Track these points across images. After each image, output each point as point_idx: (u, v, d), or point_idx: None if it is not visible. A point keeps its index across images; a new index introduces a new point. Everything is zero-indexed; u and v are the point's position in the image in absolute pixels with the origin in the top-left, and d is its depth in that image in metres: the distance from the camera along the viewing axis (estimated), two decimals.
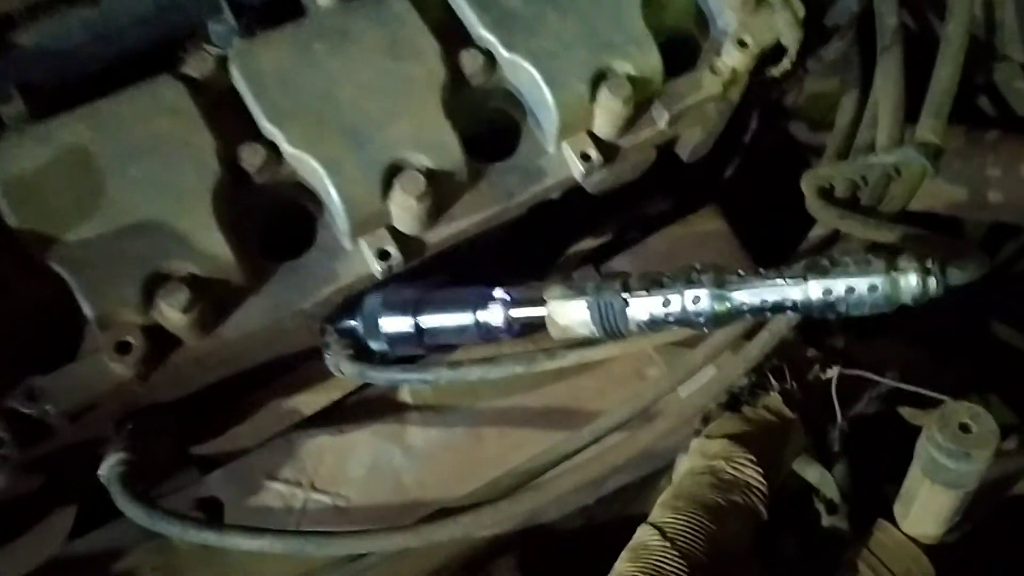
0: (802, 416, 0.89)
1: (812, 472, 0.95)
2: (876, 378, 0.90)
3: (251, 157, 0.83)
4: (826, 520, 0.94)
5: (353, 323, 0.89)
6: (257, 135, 0.85)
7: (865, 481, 0.93)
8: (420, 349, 0.87)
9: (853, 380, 0.93)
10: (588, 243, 1.11)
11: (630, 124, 0.94)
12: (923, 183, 1.09)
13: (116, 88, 0.86)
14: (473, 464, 1.00)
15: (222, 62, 0.86)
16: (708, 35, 0.99)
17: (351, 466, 0.99)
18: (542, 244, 1.10)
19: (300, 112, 0.84)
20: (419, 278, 0.94)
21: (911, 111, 0.98)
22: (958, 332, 1.32)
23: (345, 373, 0.88)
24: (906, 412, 0.92)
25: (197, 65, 0.85)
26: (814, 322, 1.00)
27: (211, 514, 0.96)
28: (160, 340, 0.81)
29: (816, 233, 0.94)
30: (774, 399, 0.87)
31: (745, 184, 1.26)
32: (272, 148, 0.84)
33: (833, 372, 0.90)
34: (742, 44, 0.94)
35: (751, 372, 0.89)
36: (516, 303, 0.82)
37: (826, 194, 0.96)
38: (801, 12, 0.95)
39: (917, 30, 1.14)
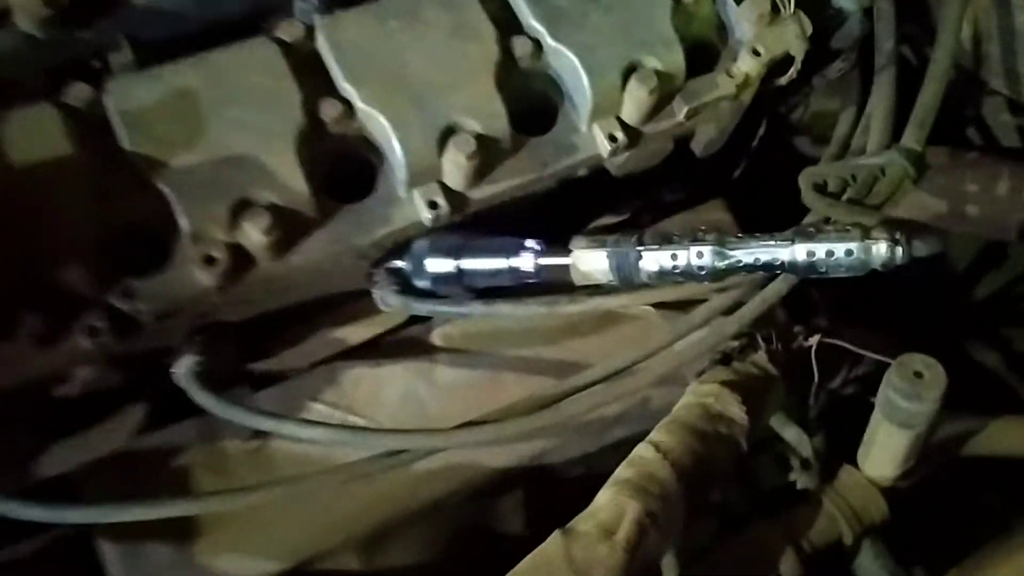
0: (784, 375, 1.03)
1: (790, 432, 1.08)
2: (854, 349, 1.03)
3: (329, 110, 0.97)
4: (797, 477, 1.07)
5: (401, 263, 1.02)
6: (335, 93, 0.99)
7: (835, 447, 1.06)
8: (459, 289, 1.01)
9: (833, 358, 1.06)
10: (606, 220, 1.24)
11: (653, 113, 1.08)
12: (907, 192, 1.23)
13: (210, 47, 1.00)
14: (491, 402, 1.12)
15: (310, 30, 1.00)
16: (726, 43, 1.14)
17: (385, 394, 1.12)
18: (567, 217, 1.23)
19: (373, 75, 0.98)
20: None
21: (900, 126, 1.12)
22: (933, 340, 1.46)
23: (391, 304, 1.02)
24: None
25: (288, 31, 1.00)
26: (801, 302, 1.14)
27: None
28: (240, 258, 0.94)
29: (808, 220, 1.07)
30: (760, 357, 1.01)
31: (751, 184, 1.40)
32: (347, 104, 0.98)
33: (814, 340, 1.03)
34: (755, 52, 1.09)
35: (742, 335, 1.03)
36: (545, 252, 0.96)
37: (819, 188, 1.10)
38: (808, 28, 1.10)
39: (912, 58, 1.28)
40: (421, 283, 1.01)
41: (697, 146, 1.23)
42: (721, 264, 0.88)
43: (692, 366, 1.05)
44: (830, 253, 0.85)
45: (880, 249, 0.84)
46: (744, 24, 1.11)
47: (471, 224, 1.06)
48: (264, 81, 0.96)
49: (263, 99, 0.96)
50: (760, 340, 1.02)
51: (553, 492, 1.17)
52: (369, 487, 1.03)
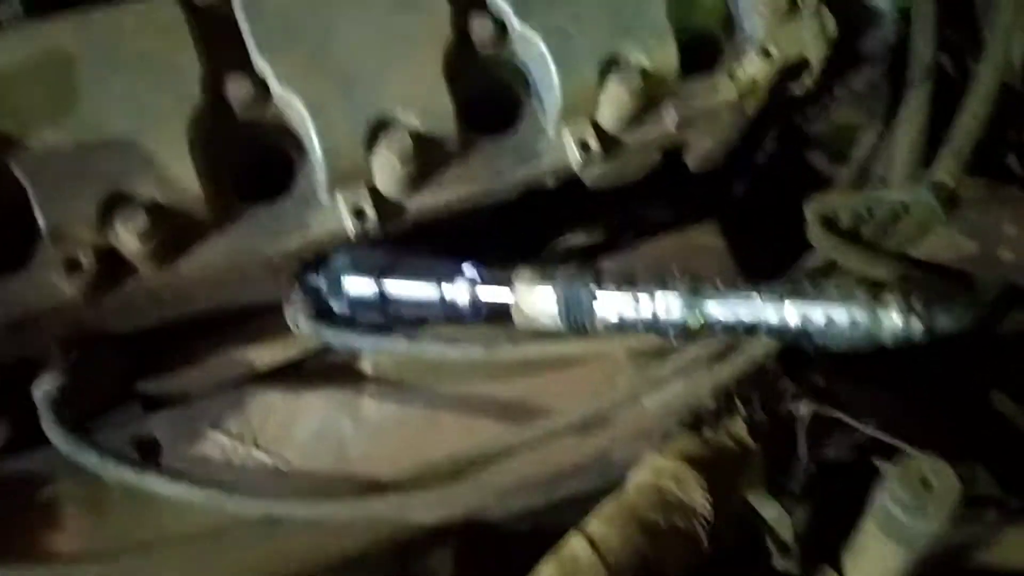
0: (765, 448, 0.85)
1: (769, 509, 0.91)
2: (851, 422, 0.86)
3: (237, 90, 0.80)
4: (776, 561, 0.91)
5: (317, 279, 0.85)
6: (249, 69, 0.81)
7: (821, 525, 0.89)
8: (382, 317, 0.84)
9: (826, 420, 0.89)
10: (577, 239, 1.07)
11: (637, 119, 0.90)
12: (933, 229, 1.05)
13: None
14: (423, 445, 0.96)
15: None
16: (732, 39, 0.96)
17: (298, 429, 0.96)
18: (530, 233, 1.06)
19: (294, 49, 0.81)
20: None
21: (933, 153, 0.94)
22: (952, 394, 1.28)
23: (301, 330, 0.85)
24: (879, 463, 0.89)
25: None
26: (796, 355, 0.97)
27: (147, 454, 0.93)
28: (113, 264, 0.77)
29: (811, 262, 0.90)
30: (738, 425, 0.84)
31: (753, 205, 1.22)
32: (261, 84, 0.81)
33: (806, 409, 0.86)
34: (766, 53, 0.91)
35: (719, 394, 0.86)
36: (484, 281, 0.78)
37: (829, 223, 0.92)
38: (832, 29, 0.91)
39: (951, 69, 1.10)
40: (338, 306, 0.84)
41: (690, 159, 1.05)
42: (693, 319, 0.71)
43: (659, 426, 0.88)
44: (829, 320, 0.67)
45: (892, 318, 0.66)
46: (755, 18, 0.93)
47: (409, 239, 0.89)
48: (159, 48, 0.79)
49: (155, 70, 0.79)
50: (739, 404, 0.85)
51: (492, 552, 1.01)
52: (277, 528, 0.87)
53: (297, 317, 0.86)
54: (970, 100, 0.91)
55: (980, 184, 1.11)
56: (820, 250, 0.88)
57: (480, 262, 0.92)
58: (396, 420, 0.98)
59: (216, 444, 0.95)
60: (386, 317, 0.84)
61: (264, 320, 0.95)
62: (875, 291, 0.67)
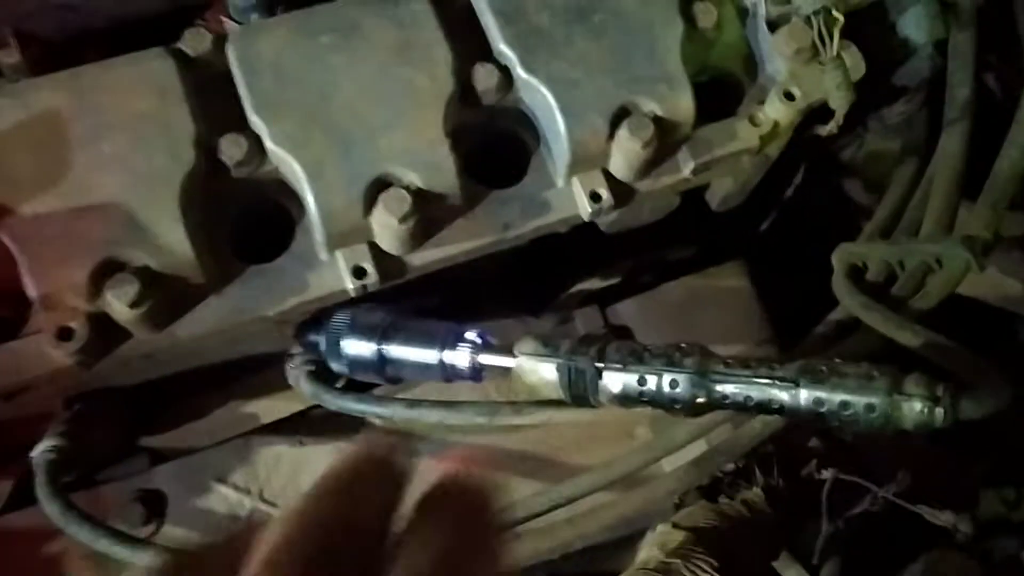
0: (786, 514, 0.81)
1: (791, 573, 0.87)
2: (873, 488, 0.81)
3: (231, 149, 0.77)
4: None
5: (317, 337, 0.83)
6: (244, 126, 0.79)
7: None
8: (380, 379, 0.81)
9: (848, 483, 0.85)
10: (596, 282, 1.03)
11: (651, 167, 0.85)
12: (973, 274, 0.99)
13: (128, 50, 0.81)
14: None
15: (220, 42, 0.80)
16: (755, 79, 0.91)
17: (305, 480, 0.94)
18: (547, 275, 1.03)
19: (290, 107, 0.78)
20: (404, 296, 0.88)
21: (972, 192, 0.88)
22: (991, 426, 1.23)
23: (301, 391, 0.83)
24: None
25: (194, 42, 0.80)
26: None
27: (153, 508, 0.92)
28: (107, 329, 0.76)
29: (835, 316, 0.85)
30: (755, 494, 0.80)
31: (782, 240, 1.17)
32: (256, 141, 0.78)
33: (828, 475, 0.81)
34: (789, 96, 0.85)
35: (738, 459, 0.82)
36: (486, 349, 0.75)
37: (857, 274, 0.88)
38: (859, 72, 0.86)
39: (1003, 102, 1.03)
40: (337, 366, 0.82)
41: (713, 200, 1.01)
42: (701, 398, 0.67)
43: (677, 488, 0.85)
44: (845, 405, 0.63)
45: (914, 407, 0.61)
46: (777, 58, 0.87)
47: (420, 285, 0.86)
48: (152, 107, 0.77)
49: (148, 131, 0.76)
50: (756, 469, 0.81)
51: None
52: None
53: (297, 376, 0.84)
54: (1010, 143, 0.85)
55: (1022, 220, 1.06)
56: (844, 305, 0.83)
57: (499, 314, 0.89)
58: None
59: (222, 496, 0.93)
60: (383, 378, 0.81)
61: (270, 371, 0.93)
62: (896, 378, 0.62)
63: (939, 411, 0.61)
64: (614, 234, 0.99)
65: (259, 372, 0.93)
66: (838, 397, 0.63)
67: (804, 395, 0.64)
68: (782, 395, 0.64)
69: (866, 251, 0.88)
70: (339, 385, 0.88)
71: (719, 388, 0.66)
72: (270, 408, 0.94)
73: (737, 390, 0.66)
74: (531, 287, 1.02)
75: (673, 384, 0.67)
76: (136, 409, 0.91)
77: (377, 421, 0.93)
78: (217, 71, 0.80)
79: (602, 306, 1.02)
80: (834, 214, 1.20)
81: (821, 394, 0.63)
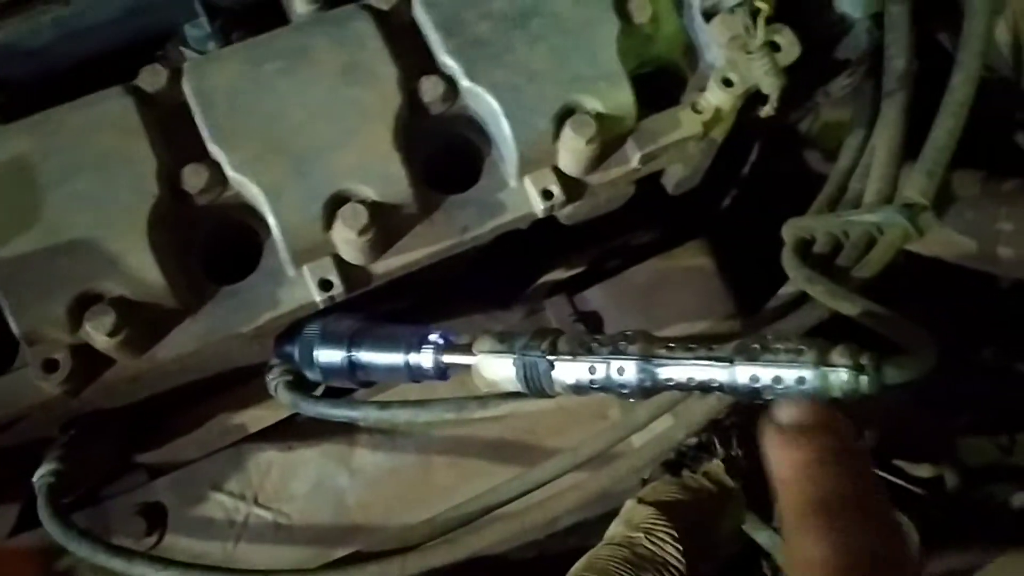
0: (747, 483, 0.85)
1: (762, 536, 0.91)
2: None
3: (193, 178, 0.81)
4: None
5: (291, 348, 0.87)
6: (204, 155, 0.83)
7: None
8: (353, 383, 0.85)
9: None
10: (562, 272, 1.07)
11: (599, 161, 0.89)
12: (930, 234, 1.02)
13: (93, 89, 0.85)
14: (419, 492, 0.99)
15: (176, 76, 0.84)
16: (696, 68, 0.94)
17: (295, 483, 0.99)
18: (514, 270, 1.06)
19: (246, 134, 0.82)
20: (377, 302, 0.92)
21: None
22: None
23: (279, 399, 0.87)
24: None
25: (150, 79, 0.84)
26: None
27: (155, 520, 0.97)
28: (90, 359, 0.80)
29: (786, 291, 0.88)
30: (716, 467, 0.84)
31: (749, 215, 1.20)
32: (217, 169, 0.82)
33: None
34: (727, 83, 0.88)
35: (697, 433, 0.86)
36: (448, 349, 0.79)
37: (805, 247, 0.91)
38: (793, 54, 0.89)
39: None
40: (311, 374, 0.86)
41: (668, 184, 1.04)
42: (648, 382, 0.71)
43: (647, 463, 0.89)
44: (778, 379, 0.66)
45: (840, 377, 0.65)
46: (715, 47, 0.90)
47: (393, 288, 0.90)
48: (114, 144, 0.81)
49: (112, 168, 0.80)
50: (717, 442, 0.84)
51: None
52: None
53: (276, 386, 0.89)
54: (943, 113, 0.88)
55: (975, 180, 1.08)
56: (791, 279, 0.87)
57: (456, 322, 0.94)
58: (390, 468, 1.00)
59: (218, 504, 0.98)
60: (356, 383, 0.85)
61: (255, 382, 0.98)
62: (824, 350, 0.66)
63: (864, 379, 0.64)
64: (576, 225, 1.02)
65: (245, 384, 0.98)
66: (771, 372, 0.66)
67: (740, 372, 0.67)
68: (720, 374, 0.68)
69: (813, 224, 0.91)
70: (319, 392, 0.93)
71: (662, 372, 0.70)
72: (258, 417, 0.98)
73: (679, 372, 0.70)
74: (500, 283, 1.06)
75: (620, 371, 0.71)
76: (130, 428, 0.96)
77: (369, 424, 0.97)
78: (175, 104, 0.84)
79: (571, 295, 1.06)
80: (797, 186, 1.23)
81: (755, 370, 0.67)
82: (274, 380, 0.90)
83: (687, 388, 0.71)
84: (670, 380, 0.70)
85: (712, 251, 1.09)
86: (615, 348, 0.72)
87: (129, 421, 0.95)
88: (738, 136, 1.02)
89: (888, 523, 0.46)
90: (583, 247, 1.08)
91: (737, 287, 1.09)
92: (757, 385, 0.67)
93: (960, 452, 1.29)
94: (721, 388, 0.69)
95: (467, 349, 0.77)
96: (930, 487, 1.20)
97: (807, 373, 0.66)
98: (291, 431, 1.00)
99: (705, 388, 0.70)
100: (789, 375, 0.66)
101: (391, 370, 0.82)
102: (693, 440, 0.88)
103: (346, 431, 1.00)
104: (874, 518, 0.46)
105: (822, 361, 0.65)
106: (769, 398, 0.68)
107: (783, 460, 0.51)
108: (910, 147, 0.93)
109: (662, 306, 1.06)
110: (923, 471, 1.19)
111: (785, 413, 0.52)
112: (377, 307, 0.94)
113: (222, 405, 0.99)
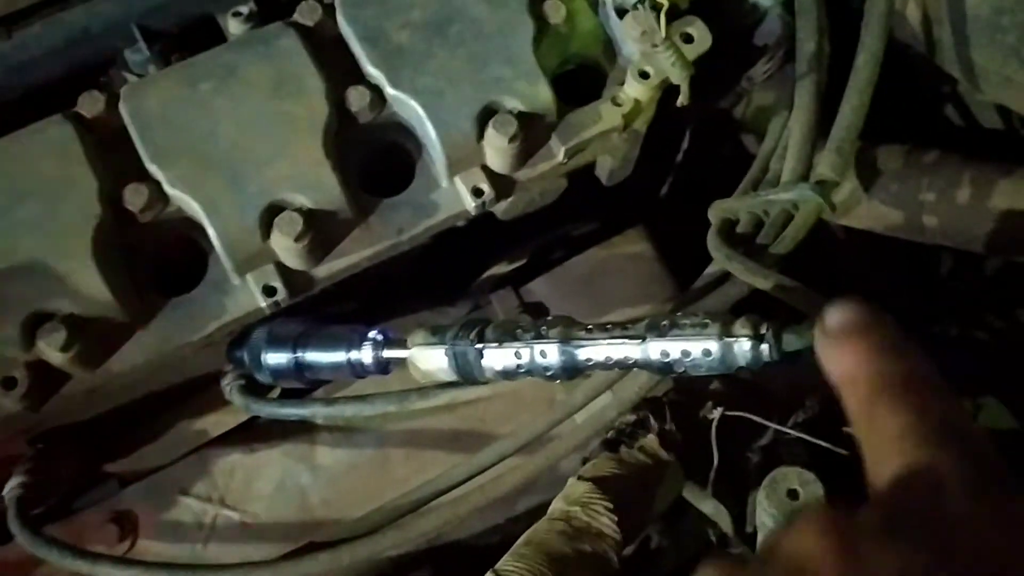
0: (682, 455, 0.89)
1: (707, 505, 0.95)
2: (761, 421, 0.89)
3: (134, 198, 0.85)
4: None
5: (242, 353, 0.91)
6: (144, 175, 0.87)
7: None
8: (302, 383, 0.90)
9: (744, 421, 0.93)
10: (505, 266, 1.11)
11: (525, 157, 0.93)
12: (858, 207, 1.07)
13: (36, 118, 0.89)
14: (378, 485, 1.03)
15: (113, 100, 0.88)
16: (615, 62, 0.98)
17: (260, 484, 1.03)
18: (458, 266, 1.11)
19: (181, 152, 0.86)
20: (325, 304, 0.96)
21: None
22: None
23: (233, 402, 0.91)
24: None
25: (88, 105, 0.88)
26: None
27: (126, 526, 1.01)
28: (46, 374, 0.84)
29: (710, 271, 0.93)
30: (650, 441, 0.88)
31: (688, 200, 1.24)
32: (157, 187, 0.86)
33: (716, 413, 0.89)
34: (643, 75, 0.93)
35: (633, 409, 0.90)
36: (386, 344, 0.83)
37: (729, 227, 0.95)
38: (704, 44, 0.93)
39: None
40: (262, 377, 0.90)
41: (601, 175, 1.08)
42: (569, 364, 0.75)
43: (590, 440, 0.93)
44: (686, 353, 0.71)
45: (743, 347, 0.69)
46: (629, 42, 0.94)
47: (341, 289, 0.94)
48: (56, 169, 0.85)
49: (55, 192, 0.84)
50: (652, 418, 0.89)
51: (467, 565, 1.07)
52: None
53: (230, 390, 0.93)
54: (849, 92, 0.92)
55: (899, 154, 1.13)
56: (714, 259, 0.91)
57: (404, 320, 0.98)
58: (350, 464, 1.04)
59: (187, 508, 1.02)
60: (305, 382, 0.89)
61: (215, 388, 1.02)
62: (726, 323, 0.70)
63: (764, 347, 0.69)
64: (516, 220, 1.06)
65: (205, 390, 1.02)
66: (679, 346, 0.71)
67: (652, 349, 0.72)
68: (634, 351, 0.72)
69: (736, 205, 0.95)
70: (275, 395, 0.97)
71: (581, 353, 0.74)
72: (219, 422, 1.02)
73: (597, 352, 0.74)
74: (446, 279, 1.10)
75: (543, 354, 0.75)
76: (97, 440, 1.00)
77: (319, 421, 1.02)
78: (114, 128, 0.88)
79: (516, 287, 1.10)
80: (736, 169, 1.27)
81: (665, 345, 0.71)
82: (228, 385, 0.94)
83: (606, 367, 0.75)
84: (589, 360, 0.75)
85: (651, 237, 1.13)
86: (537, 333, 0.76)
87: (95, 433, 0.98)
88: (674, 124, 1.06)
89: (953, 395, 0.47)
90: (525, 241, 1.12)
91: (677, 270, 1.13)
92: (668, 360, 0.72)
93: None
94: (636, 364, 0.73)
95: (403, 343, 0.82)
96: None
97: (712, 345, 0.70)
98: (253, 433, 1.04)
99: (622, 366, 0.74)
100: (696, 347, 0.70)
101: (335, 368, 0.86)
102: (631, 417, 0.92)
103: (307, 431, 1.04)
104: (942, 389, 0.47)
105: (726, 333, 0.70)
106: (681, 371, 0.73)
107: (843, 358, 0.50)
108: (826, 127, 0.97)
109: (604, 293, 1.10)
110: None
111: (833, 318, 0.52)
112: (326, 309, 0.98)
113: (184, 412, 1.03)
